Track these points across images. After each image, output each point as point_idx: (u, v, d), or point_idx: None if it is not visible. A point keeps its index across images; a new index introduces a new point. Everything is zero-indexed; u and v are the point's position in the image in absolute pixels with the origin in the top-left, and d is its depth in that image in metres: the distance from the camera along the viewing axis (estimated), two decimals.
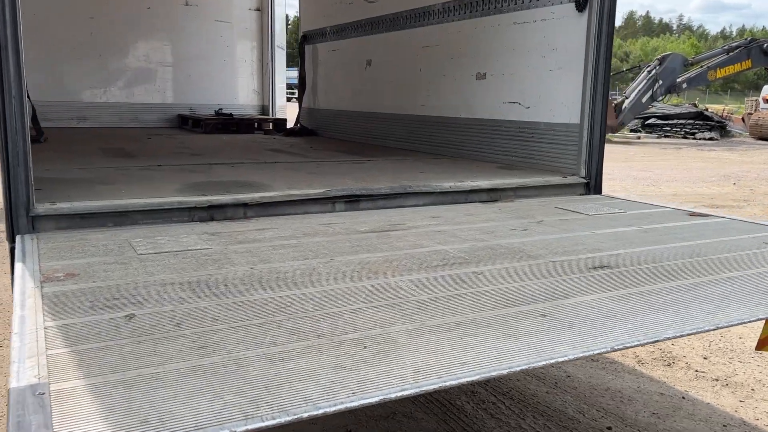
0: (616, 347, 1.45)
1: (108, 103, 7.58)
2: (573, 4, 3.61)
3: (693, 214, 3.03)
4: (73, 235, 2.35)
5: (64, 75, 7.31)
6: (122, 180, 3.25)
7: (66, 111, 7.33)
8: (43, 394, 1.11)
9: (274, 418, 1.05)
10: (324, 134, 6.84)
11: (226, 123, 7.31)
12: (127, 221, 2.54)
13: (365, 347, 1.37)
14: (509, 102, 4.19)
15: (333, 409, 1.11)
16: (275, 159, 4.53)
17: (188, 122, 7.54)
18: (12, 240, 2.32)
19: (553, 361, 1.36)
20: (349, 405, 1.12)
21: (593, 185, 3.64)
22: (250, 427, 1.03)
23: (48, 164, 3.73)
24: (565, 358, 1.37)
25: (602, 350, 1.43)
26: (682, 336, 1.56)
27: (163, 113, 7.86)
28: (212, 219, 2.69)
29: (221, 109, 7.91)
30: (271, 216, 2.81)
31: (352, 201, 3.01)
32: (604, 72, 3.54)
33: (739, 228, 2.78)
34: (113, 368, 1.23)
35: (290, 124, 7.51)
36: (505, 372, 1.30)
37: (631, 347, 1.49)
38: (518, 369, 1.32)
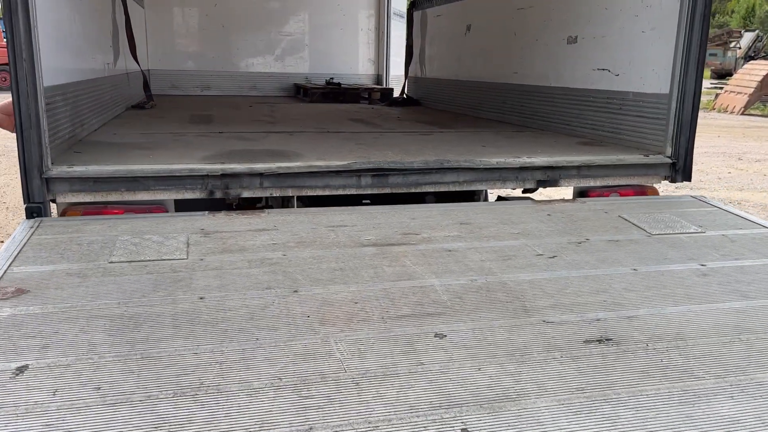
0: None
1: (229, 72, 7.79)
2: None
3: None
4: (72, 224, 2.35)
5: (189, 46, 7.58)
6: (170, 146, 3.23)
7: (191, 80, 7.62)
8: None
9: None
10: (426, 104, 6.52)
11: (332, 92, 7.19)
12: (140, 186, 2.51)
13: None
14: (599, 69, 3.68)
15: None
16: (344, 129, 4.32)
17: (301, 91, 7.52)
18: (27, 200, 2.38)
19: None
20: None
21: (681, 167, 3.11)
22: None
23: (130, 129, 3.84)
24: None
25: None
26: None
27: (280, 82, 7.92)
28: (227, 188, 2.59)
29: (332, 78, 7.78)
30: (292, 188, 2.68)
31: (380, 175, 2.76)
32: (700, 33, 2.97)
33: None
34: None
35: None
36: None
37: None
38: None
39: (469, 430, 1.31)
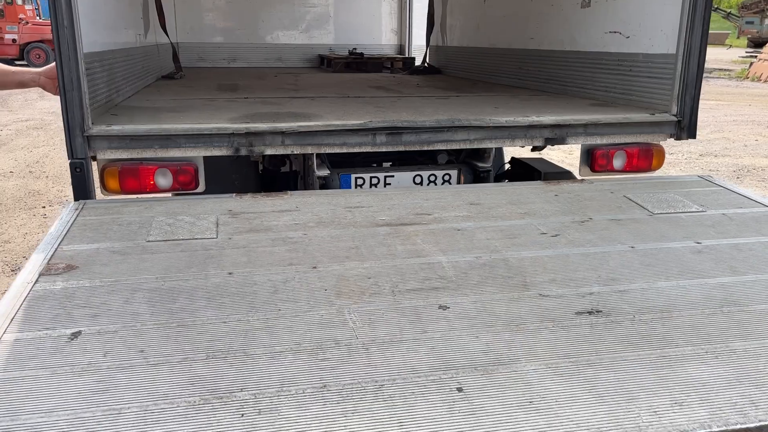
0: None
1: (255, 45, 7.94)
2: None
3: None
4: (112, 206, 2.57)
5: (216, 19, 7.77)
6: (200, 109, 3.41)
7: (218, 52, 7.79)
8: None
9: None
10: (447, 72, 6.62)
11: (355, 62, 7.33)
12: (171, 144, 2.74)
13: (242, 414, 1.39)
14: (611, 32, 3.80)
15: None
16: (364, 94, 4.45)
17: (324, 62, 7.65)
18: (71, 156, 2.63)
19: None
20: None
21: (686, 125, 3.23)
22: None
23: (161, 95, 4.07)
24: None
25: None
26: None
27: (304, 54, 8.05)
28: (251, 145, 2.80)
29: (355, 48, 7.89)
30: (312, 145, 2.88)
31: (394, 134, 2.93)
32: None
33: None
34: (16, 408, 1.39)
35: None
36: None
37: None
38: None
39: (463, 389, 1.49)
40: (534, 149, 3.69)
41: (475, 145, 3.12)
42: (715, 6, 49.83)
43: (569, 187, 2.96)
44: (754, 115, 15.19)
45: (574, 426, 1.37)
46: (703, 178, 3.12)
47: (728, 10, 46.23)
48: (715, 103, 17.49)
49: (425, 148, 3.07)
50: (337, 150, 2.93)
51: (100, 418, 1.37)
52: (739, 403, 1.46)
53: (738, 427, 1.40)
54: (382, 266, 2.11)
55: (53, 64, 2.68)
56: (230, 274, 2.04)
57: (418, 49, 7.66)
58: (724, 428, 1.38)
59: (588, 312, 1.85)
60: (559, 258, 2.20)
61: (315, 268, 2.09)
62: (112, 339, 1.66)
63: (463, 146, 3.12)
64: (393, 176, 3.40)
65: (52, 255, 2.12)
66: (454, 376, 1.54)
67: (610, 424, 1.38)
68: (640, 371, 1.57)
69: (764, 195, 5.27)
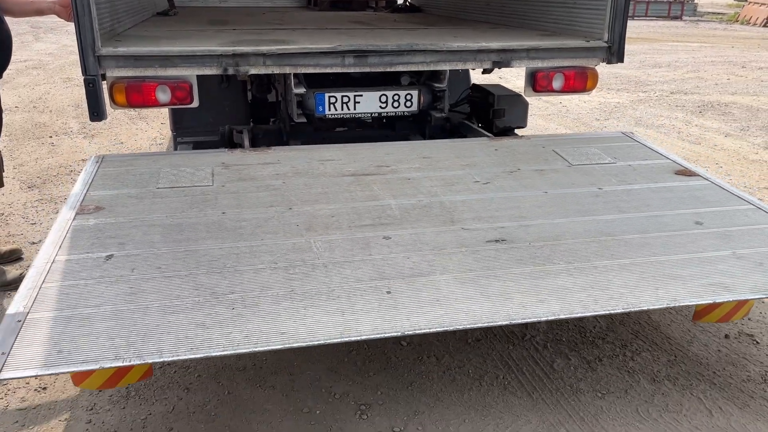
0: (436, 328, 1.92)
1: None
2: None
3: (680, 172, 3.11)
4: (127, 159, 3.13)
5: None
6: (191, 38, 3.80)
7: None
8: (20, 321, 1.89)
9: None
10: (427, 11, 6.99)
11: (341, 1, 7.65)
12: (169, 64, 3.16)
13: (233, 308, 1.99)
14: None
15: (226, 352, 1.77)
16: (341, 27, 4.85)
17: (311, 2, 7.98)
18: (84, 73, 3.03)
19: (352, 339, 1.89)
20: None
21: (616, 50, 3.67)
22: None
23: (157, 28, 4.43)
24: (366, 336, 1.89)
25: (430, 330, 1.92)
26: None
27: None
28: (237, 65, 3.21)
29: None
30: (289, 66, 3.28)
31: (360, 56, 3.36)
32: None
33: (715, 198, 2.85)
34: (74, 303, 1.98)
35: None
36: (313, 343, 1.87)
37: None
38: (322, 342, 1.87)
39: (391, 291, 2.09)
40: (484, 72, 4.18)
41: (432, 67, 3.57)
42: None
43: (509, 142, 3.52)
44: (734, 57, 15.54)
45: (463, 315, 1.98)
46: (625, 134, 3.67)
47: None
48: (698, 45, 17.80)
49: (388, 70, 3.51)
50: (311, 70, 3.35)
51: (133, 311, 1.97)
52: (585, 300, 2.06)
53: (578, 315, 2.01)
54: (344, 208, 2.69)
55: None
56: (224, 213, 2.61)
57: None
58: (568, 315, 1.99)
59: (495, 240, 2.44)
60: (484, 201, 2.77)
61: (290, 209, 2.67)
62: (136, 259, 2.25)
63: (421, 68, 3.56)
64: (361, 95, 3.78)
65: (83, 199, 2.69)
66: (386, 283, 2.13)
67: (489, 314, 1.99)
68: (521, 280, 2.17)
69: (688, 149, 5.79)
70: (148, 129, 7.86)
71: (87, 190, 2.77)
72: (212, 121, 4.23)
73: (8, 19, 3.45)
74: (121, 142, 7.27)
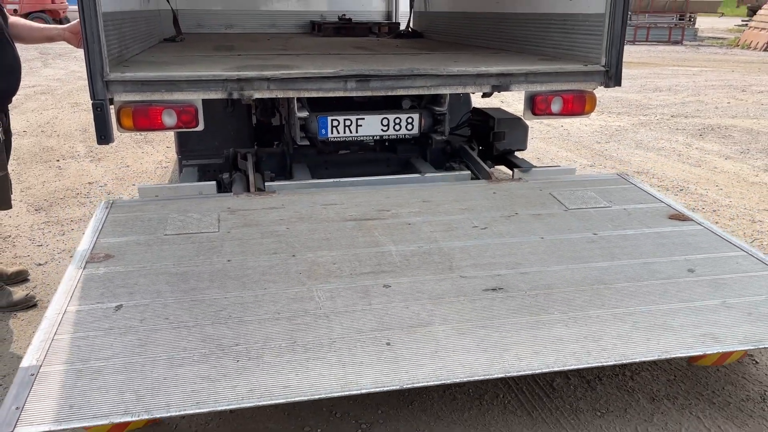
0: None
1: (250, 11, 8.39)
2: None
3: (673, 216, 3.18)
4: (136, 205, 3.22)
5: None
6: (197, 63, 3.91)
7: (216, 19, 8.26)
8: (33, 375, 1.96)
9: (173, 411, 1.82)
10: (429, 36, 7.16)
11: (344, 27, 7.83)
12: (175, 88, 3.24)
13: (238, 361, 2.06)
14: None
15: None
16: (344, 52, 4.95)
17: (315, 27, 8.16)
18: (93, 97, 3.12)
19: (353, 392, 1.96)
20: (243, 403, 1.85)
21: (613, 74, 3.75)
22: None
23: (164, 54, 4.57)
24: (373, 390, 1.96)
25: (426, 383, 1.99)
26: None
27: (297, 20, 8.53)
28: (242, 90, 3.30)
29: (344, 14, 8.37)
30: (293, 90, 3.37)
31: (362, 80, 3.45)
32: None
33: (707, 243, 2.92)
34: (86, 356, 2.06)
35: None
36: (315, 397, 1.94)
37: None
38: (324, 396, 1.94)
39: (390, 343, 2.16)
40: (484, 95, 4.27)
41: (432, 91, 3.66)
42: None
43: (507, 185, 3.61)
44: (734, 80, 15.67)
45: (461, 368, 2.05)
46: (621, 176, 3.76)
47: None
48: (698, 70, 17.95)
49: (389, 93, 3.60)
50: (314, 94, 3.45)
51: (142, 363, 2.04)
52: (579, 352, 2.13)
53: (572, 367, 2.07)
54: (345, 254, 2.77)
55: (76, 21, 3.16)
56: (229, 261, 2.69)
57: (405, 15, 8.16)
58: (562, 368, 2.06)
59: (493, 289, 2.51)
60: (482, 247, 2.85)
61: (294, 256, 2.75)
62: (145, 309, 2.33)
63: (421, 92, 3.65)
64: (363, 119, 3.88)
65: (93, 246, 2.78)
66: (386, 334, 2.21)
67: (486, 366, 2.05)
68: (517, 331, 2.24)
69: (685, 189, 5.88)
70: (154, 152, 8.00)
71: (97, 238, 2.86)
72: (217, 144, 4.34)
73: (18, 45, 3.56)
74: (127, 165, 7.39)
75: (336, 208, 3.24)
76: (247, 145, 4.53)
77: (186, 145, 4.33)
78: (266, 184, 3.75)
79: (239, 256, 2.73)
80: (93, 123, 3.14)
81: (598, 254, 2.81)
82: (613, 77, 3.73)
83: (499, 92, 3.81)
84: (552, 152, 8.25)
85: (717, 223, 5.53)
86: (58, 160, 7.56)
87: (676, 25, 27.34)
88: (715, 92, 13.71)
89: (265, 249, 2.80)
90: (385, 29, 7.92)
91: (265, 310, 2.35)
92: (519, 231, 3.02)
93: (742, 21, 34.00)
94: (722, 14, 39.67)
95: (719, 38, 29.46)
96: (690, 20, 28.72)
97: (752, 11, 37.27)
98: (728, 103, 12.20)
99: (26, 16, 25.86)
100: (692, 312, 2.38)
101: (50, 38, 3.67)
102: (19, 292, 3.71)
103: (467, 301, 2.42)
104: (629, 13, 3.76)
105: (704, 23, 34.28)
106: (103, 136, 3.13)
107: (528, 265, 2.71)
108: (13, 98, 3.64)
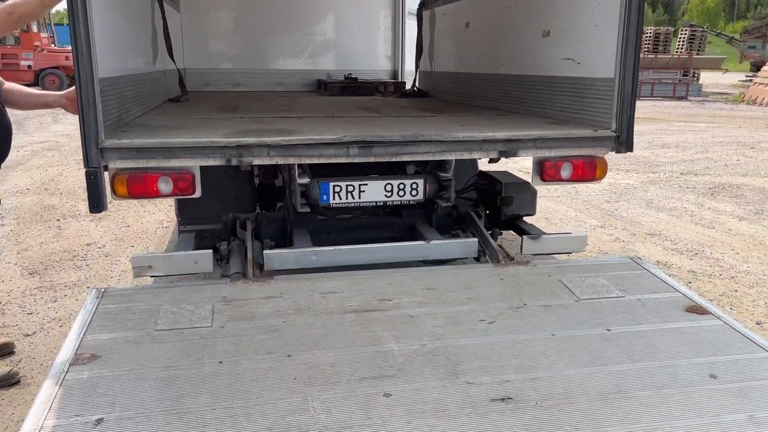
0: None
1: (257, 70, 8.46)
2: None
3: (691, 309, 3.02)
4: (127, 294, 3.09)
5: (221, 46, 8.34)
6: (198, 126, 3.84)
7: (223, 77, 8.33)
8: None
9: None
10: (434, 96, 7.18)
11: (350, 86, 7.87)
12: (172, 155, 3.15)
13: None
14: (566, 58, 4.30)
15: None
16: (349, 114, 4.89)
17: (321, 86, 8.19)
18: (87, 165, 3.03)
19: None
20: None
21: (624, 139, 3.65)
22: None
23: (166, 116, 4.52)
24: None
25: None
26: None
27: (304, 78, 8.59)
28: (241, 156, 3.21)
29: (350, 74, 8.42)
30: (293, 156, 3.29)
31: (365, 146, 3.35)
32: (636, 26, 3.53)
33: (728, 343, 2.74)
34: None
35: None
36: None
37: None
38: None
39: None
40: (491, 161, 4.14)
41: (437, 157, 3.57)
42: (718, 31, 50.36)
43: (514, 270, 3.46)
44: (742, 137, 15.67)
45: None
46: (633, 260, 3.61)
47: (731, 35, 46.88)
48: (705, 126, 17.99)
49: (393, 160, 3.51)
50: (315, 161, 3.36)
51: None
52: None
53: None
54: (344, 355, 2.61)
55: (73, 87, 3.13)
56: (221, 362, 2.54)
57: (410, 73, 8.22)
58: None
59: (501, 399, 2.34)
60: (489, 345, 2.69)
61: (289, 356, 2.59)
62: (127, 424, 2.16)
63: (426, 158, 3.56)
64: (366, 184, 3.80)
65: (79, 345, 2.63)
66: None
67: None
68: None
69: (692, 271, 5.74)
70: (156, 212, 7.94)
71: (84, 334, 2.72)
72: (218, 206, 4.24)
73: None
74: (128, 225, 7.32)
75: (336, 297, 3.10)
76: (249, 207, 4.44)
77: (185, 209, 4.24)
78: (264, 252, 3.64)
79: (232, 357, 2.58)
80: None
81: (613, 355, 2.64)
82: (624, 142, 3.64)
83: (506, 158, 3.72)
84: (560, 212, 8.14)
85: (737, 291, 5.36)
86: (58, 220, 7.51)
87: (680, 80, 27.63)
88: (723, 149, 13.68)
89: (260, 347, 2.65)
90: (391, 88, 7.96)
91: (257, 424, 2.18)
92: (528, 326, 2.86)
93: (746, 76, 34.38)
94: (726, 70, 40.16)
95: (724, 94, 29.72)
96: (694, 76, 29.03)
97: (755, 67, 37.76)
98: (738, 160, 12.14)
99: (40, 72, 26.49)
100: (718, 427, 2.20)
101: (46, 104, 3.63)
102: (2, 368, 3.56)
103: (474, 415, 2.24)
104: None
105: (708, 78, 34.68)
106: (96, 204, 3.05)
107: (539, 368, 2.54)
108: (20, 155, 3.58)
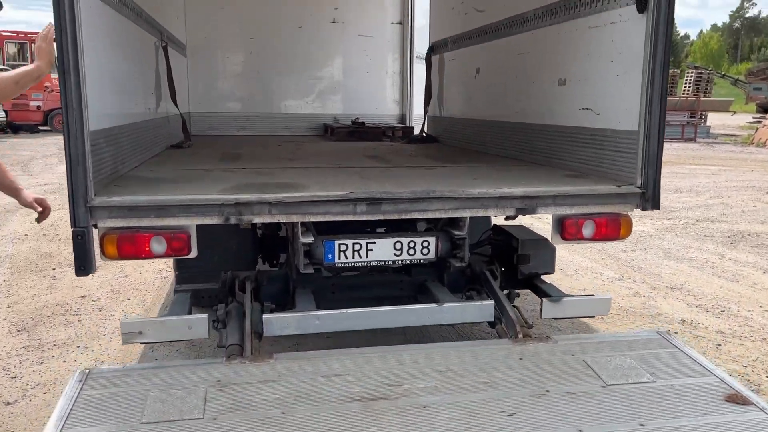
0: None
1: (263, 114, 8.39)
2: (634, 6, 3.45)
3: (730, 398, 2.74)
4: (113, 378, 2.84)
5: (227, 90, 8.28)
6: (197, 180, 3.65)
7: (228, 121, 8.23)
8: None
9: None
10: (444, 141, 7.05)
11: (357, 131, 7.74)
12: (166, 213, 2.94)
13: None
14: (584, 108, 4.10)
15: None
16: (356, 164, 4.70)
17: (328, 131, 8.06)
18: (74, 225, 2.83)
19: None
20: None
21: (650, 196, 3.42)
22: None
23: (165, 166, 4.34)
24: None
25: None
26: None
27: (310, 122, 8.49)
28: (240, 214, 3.01)
29: (358, 118, 8.31)
30: (296, 214, 3.09)
31: (373, 204, 3.15)
32: (661, 76, 3.34)
33: None
34: None
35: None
36: None
37: None
38: None
39: None
40: (507, 218, 3.90)
41: (450, 214, 3.33)
42: (723, 73, 50.69)
43: (534, 348, 3.20)
44: (755, 181, 15.43)
45: None
46: (661, 334, 3.34)
47: (736, 77, 47.21)
48: (717, 169, 17.77)
49: (403, 217, 3.28)
50: (320, 219, 3.14)
51: None
52: None
53: None
54: None
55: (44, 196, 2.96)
56: None
57: (419, 117, 8.09)
58: None
59: None
60: None
61: None
62: None
63: (438, 215, 3.32)
64: (375, 242, 3.57)
65: None
66: None
67: None
68: None
69: (719, 346, 5.44)
70: (155, 260, 7.71)
71: (62, 428, 2.47)
72: (217, 259, 4.00)
73: (37, 140, 3.28)
74: (126, 275, 7.09)
75: (340, 381, 2.84)
76: (250, 261, 4.20)
77: (182, 263, 3.99)
78: (264, 317, 3.39)
79: None
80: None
81: None
82: (650, 199, 3.41)
83: (524, 215, 3.47)
84: (576, 262, 7.85)
85: None
86: (54, 269, 7.28)
87: (688, 122, 27.56)
88: (738, 194, 13.44)
89: None
90: (399, 133, 7.82)
91: None
92: (553, 419, 2.59)
93: (753, 118, 34.39)
94: (735, 112, 40.23)
95: (732, 135, 29.64)
96: (701, 118, 29.00)
97: (762, 108, 37.79)
98: (754, 206, 11.89)
99: (50, 112, 26.63)
100: None
101: (16, 196, 3.37)
102: None
103: None
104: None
105: (715, 119, 34.70)
106: (83, 266, 2.83)
107: None
108: (10, 202, 3.37)
